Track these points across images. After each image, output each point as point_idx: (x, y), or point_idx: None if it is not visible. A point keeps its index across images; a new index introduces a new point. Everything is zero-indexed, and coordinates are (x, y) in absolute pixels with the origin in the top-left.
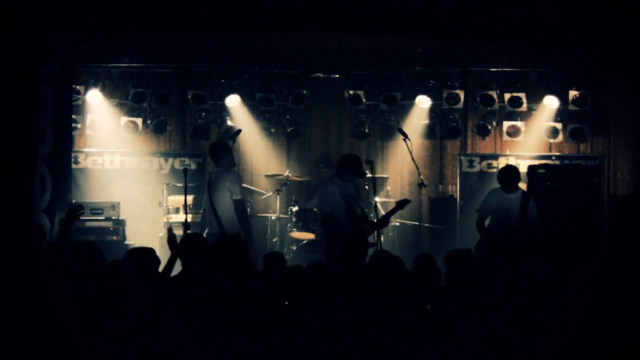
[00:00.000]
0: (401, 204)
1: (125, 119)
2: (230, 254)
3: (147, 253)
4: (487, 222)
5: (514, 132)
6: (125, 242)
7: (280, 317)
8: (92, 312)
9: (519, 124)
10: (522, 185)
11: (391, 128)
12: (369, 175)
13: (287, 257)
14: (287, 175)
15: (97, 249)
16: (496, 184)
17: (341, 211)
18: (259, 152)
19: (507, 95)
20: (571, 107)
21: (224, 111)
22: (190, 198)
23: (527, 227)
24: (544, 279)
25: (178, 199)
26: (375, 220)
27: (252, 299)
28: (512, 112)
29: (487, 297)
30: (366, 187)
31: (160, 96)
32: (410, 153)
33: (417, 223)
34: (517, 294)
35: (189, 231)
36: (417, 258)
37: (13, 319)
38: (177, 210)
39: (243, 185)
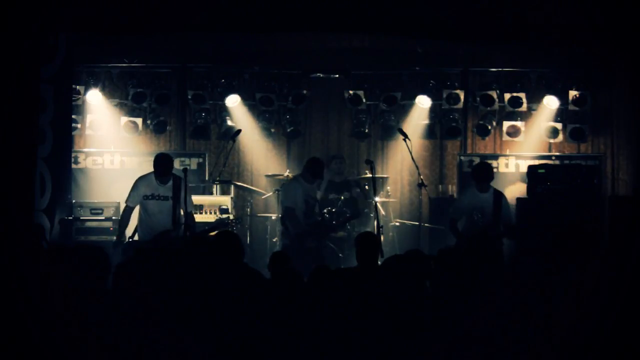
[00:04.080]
0: (351, 217)
1: (125, 119)
2: (225, 252)
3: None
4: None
5: (514, 132)
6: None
7: (279, 318)
8: (92, 312)
9: (519, 124)
10: (522, 186)
11: (391, 128)
12: (368, 175)
13: None
14: (287, 175)
15: (103, 251)
16: (495, 185)
17: (300, 210)
18: (259, 152)
19: (507, 95)
20: (571, 107)
21: (224, 111)
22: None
23: (502, 224)
24: (541, 279)
25: None
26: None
27: (249, 298)
28: (512, 112)
29: (485, 298)
30: (366, 187)
31: (160, 96)
32: (410, 153)
33: (417, 223)
34: (513, 295)
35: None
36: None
37: (13, 319)
38: None
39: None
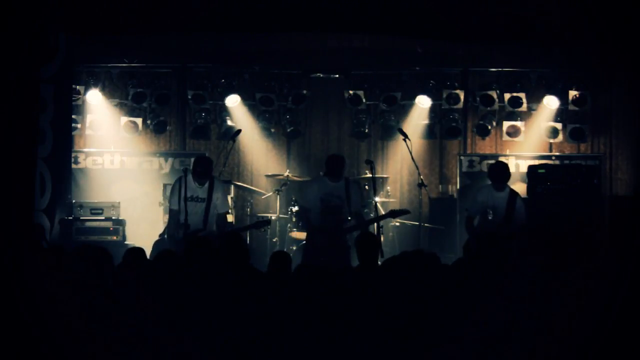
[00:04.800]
0: (394, 213)
1: (125, 119)
2: (231, 253)
3: (140, 253)
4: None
5: (514, 132)
6: (125, 242)
7: (282, 317)
8: (92, 313)
9: (519, 124)
10: (522, 186)
11: (391, 128)
12: (368, 175)
13: None
14: (287, 175)
15: (107, 252)
16: None
17: (315, 209)
18: (259, 152)
19: (507, 95)
20: (571, 107)
21: (224, 111)
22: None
23: (513, 225)
24: (541, 279)
25: None
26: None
27: (254, 299)
28: (512, 112)
29: (484, 298)
30: (366, 187)
31: (160, 96)
32: (410, 153)
33: (417, 223)
34: (513, 295)
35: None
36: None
37: (13, 319)
38: None
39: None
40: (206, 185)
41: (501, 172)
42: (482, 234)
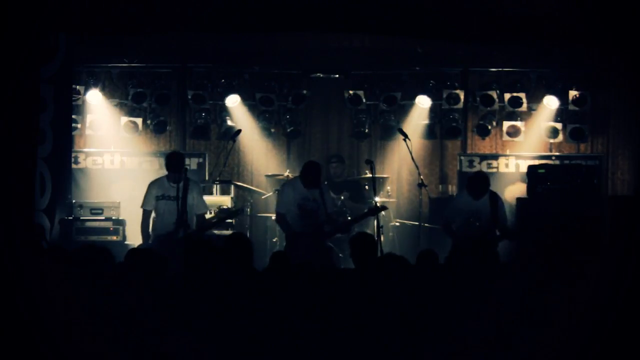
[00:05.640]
0: (373, 211)
1: (125, 119)
2: (234, 254)
3: (148, 254)
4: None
5: (514, 132)
6: (125, 242)
7: (283, 319)
8: (92, 313)
9: (519, 124)
10: (522, 186)
11: (391, 128)
12: (369, 175)
13: None
14: (287, 175)
15: (109, 251)
16: (495, 185)
17: (293, 214)
18: (259, 152)
19: (507, 95)
20: (571, 107)
21: (224, 111)
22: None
23: (499, 226)
24: (541, 280)
25: None
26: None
27: (254, 300)
28: (512, 112)
29: (486, 297)
30: (366, 187)
31: (160, 96)
32: (410, 153)
33: (417, 223)
34: (512, 295)
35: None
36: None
37: (13, 320)
38: None
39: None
40: (180, 184)
41: (480, 186)
42: (476, 238)
